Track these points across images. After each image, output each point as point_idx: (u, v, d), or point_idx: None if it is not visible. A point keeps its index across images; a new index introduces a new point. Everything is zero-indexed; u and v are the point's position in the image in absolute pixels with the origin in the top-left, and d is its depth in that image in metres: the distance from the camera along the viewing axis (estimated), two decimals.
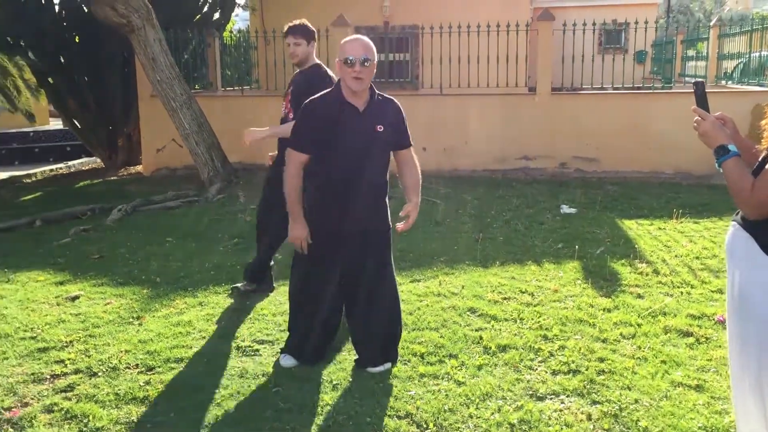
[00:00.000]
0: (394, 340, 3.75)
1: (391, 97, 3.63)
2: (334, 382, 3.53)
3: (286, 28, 4.68)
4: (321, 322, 3.69)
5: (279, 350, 3.87)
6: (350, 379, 3.57)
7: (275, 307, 4.69)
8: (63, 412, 3.28)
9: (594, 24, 10.35)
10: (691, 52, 13.90)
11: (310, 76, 4.59)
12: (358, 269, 3.59)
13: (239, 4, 14.35)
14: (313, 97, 3.54)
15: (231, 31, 15.29)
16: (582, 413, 3.20)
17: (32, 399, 3.42)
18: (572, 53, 10.00)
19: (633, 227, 6.88)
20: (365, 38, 3.45)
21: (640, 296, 4.79)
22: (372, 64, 3.39)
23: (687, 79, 12.69)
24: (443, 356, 3.83)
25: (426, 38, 10.81)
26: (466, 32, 10.26)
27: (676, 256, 5.79)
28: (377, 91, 3.56)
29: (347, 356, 3.83)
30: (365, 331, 3.67)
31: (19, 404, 3.37)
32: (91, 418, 3.22)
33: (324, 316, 3.68)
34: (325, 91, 3.57)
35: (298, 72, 4.75)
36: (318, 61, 4.72)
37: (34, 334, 4.24)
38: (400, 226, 3.62)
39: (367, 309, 3.63)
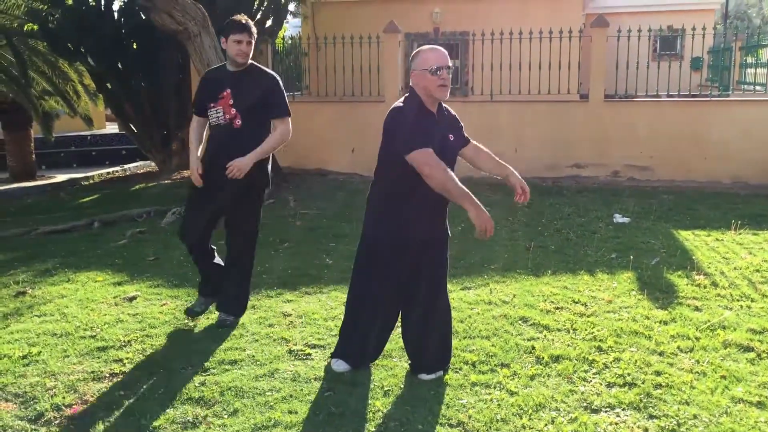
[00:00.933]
0: (447, 349, 3.74)
1: (447, 106, 3.64)
2: (386, 388, 3.54)
3: (234, 23, 4.16)
4: (379, 329, 3.69)
5: (330, 354, 3.89)
6: (402, 386, 3.57)
7: (326, 311, 4.72)
8: (121, 410, 3.36)
9: (649, 30, 10.17)
10: (749, 59, 13.53)
11: (258, 78, 4.28)
12: (419, 275, 3.59)
13: (291, 12, 14.53)
14: (397, 105, 3.46)
15: (282, 38, 15.48)
16: (638, 427, 3.14)
17: (92, 396, 3.51)
18: (626, 60, 9.85)
19: (689, 238, 6.73)
20: (441, 47, 3.47)
21: (697, 309, 4.68)
22: (451, 71, 3.44)
23: (745, 86, 12.35)
24: (495, 365, 3.80)
25: (476, 45, 10.78)
26: (518, 38, 10.20)
27: (735, 268, 5.63)
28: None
29: (398, 363, 3.83)
30: (421, 340, 3.67)
31: (79, 401, 3.46)
32: (148, 416, 3.29)
33: (383, 322, 3.69)
34: (403, 100, 3.49)
35: (233, 71, 4.25)
36: (252, 60, 4.36)
37: (94, 333, 4.35)
38: (521, 197, 3.68)
39: (424, 316, 3.63)
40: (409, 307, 3.65)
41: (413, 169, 3.34)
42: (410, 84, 3.49)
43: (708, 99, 10.30)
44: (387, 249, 3.55)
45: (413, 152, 3.27)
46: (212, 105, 4.24)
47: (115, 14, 12.41)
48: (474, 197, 3.24)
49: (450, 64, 3.41)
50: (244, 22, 4.17)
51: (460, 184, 3.26)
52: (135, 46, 12.44)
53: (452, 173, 3.29)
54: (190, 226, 4.48)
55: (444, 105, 3.60)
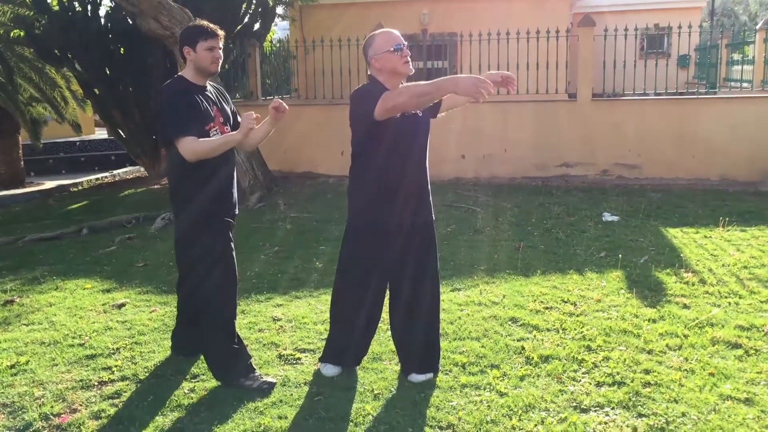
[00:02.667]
0: (435, 347, 3.73)
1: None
2: (376, 392, 3.54)
3: (203, 29, 3.60)
4: (364, 323, 3.68)
5: (319, 359, 3.88)
6: (392, 389, 3.57)
7: (316, 315, 4.71)
8: (110, 419, 3.34)
9: (636, 29, 10.21)
10: (736, 56, 13.61)
11: (219, 88, 3.84)
12: (404, 263, 3.59)
13: (279, 15, 14.51)
14: (359, 88, 3.47)
15: (271, 41, 15.46)
16: (627, 426, 3.15)
17: (80, 405, 3.49)
18: (613, 58, 9.88)
19: (678, 235, 6.76)
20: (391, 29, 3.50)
21: (686, 306, 4.70)
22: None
23: (732, 84, 12.42)
24: (485, 366, 3.80)
25: (464, 45, 10.79)
26: (505, 39, 10.22)
27: (723, 265, 5.66)
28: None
29: (388, 366, 3.83)
30: (407, 334, 3.68)
31: (68, 410, 3.44)
32: (137, 424, 3.28)
33: (368, 315, 3.67)
34: (367, 85, 3.47)
35: (203, 85, 3.66)
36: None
37: (82, 341, 4.33)
38: (509, 85, 3.52)
39: (410, 308, 3.63)
40: (397, 299, 3.66)
41: (384, 153, 3.39)
42: (368, 73, 3.50)
43: (695, 96, 10.35)
44: (369, 236, 3.55)
45: (377, 106, 3.24)
46: (211, 125, 3.57)
47: (102, 20, 12.37)
48: (445, 77, 3.17)
49: (405, 43, 3.43)
50: (213, 26, 3.63)
51: (423, 83, 3.22)
52: (122, 52, 12.40)
53: (409, 84, 3.28)
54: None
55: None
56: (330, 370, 3.73)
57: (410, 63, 3.43)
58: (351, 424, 3.23)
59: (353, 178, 3.60)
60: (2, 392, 3.65)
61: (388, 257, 3.58)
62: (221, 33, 3.64)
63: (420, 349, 3.68)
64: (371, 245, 3.56)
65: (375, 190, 3.50)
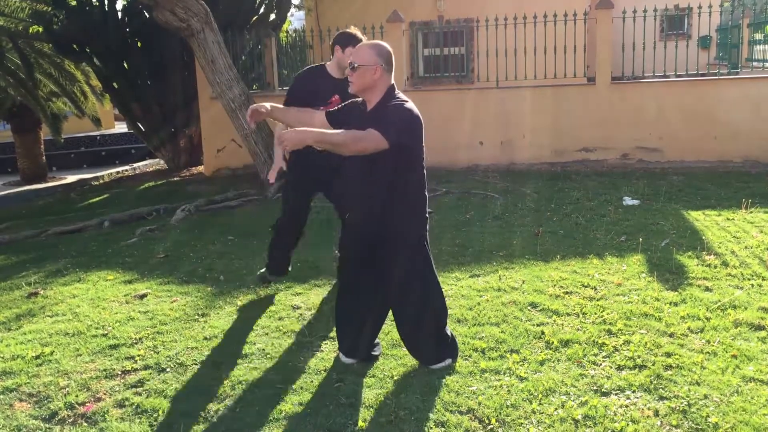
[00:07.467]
0: (426, 347, 3.66)
1: (404, 106, 3.38)
2: (395, 378, 3.54)
3: (354, 37, 4.31)
4: (355, 320, 3.71)
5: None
6: (411, 375, 3.57)
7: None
8: (134, 407, 3.39)
9: (655, 10, 10.06)
10: (758, 36, 13.36)
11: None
12: (374, 274, 3.63)
13: (295, 5, 14.50)
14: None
15: (287, 32, 15.46)
16: (649, 409, 3.13)
17: (104, 394, 3.54)
18: (633, 41, 9.76)
19: (699, 218, 6.68)
20: (365, 44, 3.56)
21: (708, 289, 4.65)
22: (360, 68, 3.36)
23: (755, 64, 12.21)
24: (504, 351, 3.80)
25: (481, 31, 10.71)
26: (522, 23, 10.13)
27: (745, 247, 5.59)
28: (398, 97, 3.43)
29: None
30: (401, 333, 3.73)
31: (92, 399, 3.49)
32: (160, 412, 3.32)
33: (358, 314, 3.70)
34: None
35: (337, 78, 4.38)
36: None
37: (105, 332, 4.39)
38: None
39: (397, 313, 3.68)
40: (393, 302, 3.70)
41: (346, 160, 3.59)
42: None
43: (717, 78, 10.20)
44: (350, 241, 3.75)
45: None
46: (321, 108, 3.93)
47: (119, 14, 12.45)
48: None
49: (353, 61, 3.40)
50: (361, 36, 4.31)
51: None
52: (140, 45, 12.47)
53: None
54: None
55: (401, 105, 3.38)
56: (347, 358, 3.76)
57: (354, 85, 3.42)
58: (371, 409, 3.25)
59: None
60: (28, 382, 3.71)
61: (357, 262, 3.66)
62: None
63: (411, 348, 3.69)
64: (348, 247, 3.74)
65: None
